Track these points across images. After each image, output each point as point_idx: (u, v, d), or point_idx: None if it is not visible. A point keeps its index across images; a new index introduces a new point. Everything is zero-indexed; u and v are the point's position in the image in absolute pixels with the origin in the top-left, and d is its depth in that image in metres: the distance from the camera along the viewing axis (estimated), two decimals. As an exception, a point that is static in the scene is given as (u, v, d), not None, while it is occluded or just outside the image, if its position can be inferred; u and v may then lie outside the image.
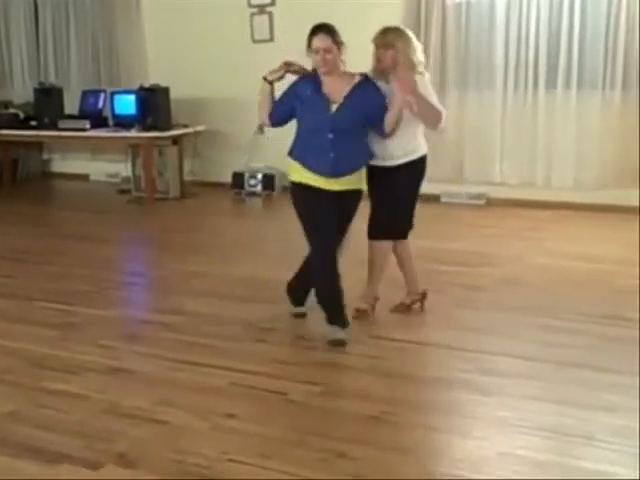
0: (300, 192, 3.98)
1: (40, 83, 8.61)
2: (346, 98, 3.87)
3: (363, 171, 4.02)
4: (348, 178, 3.92)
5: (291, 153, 4.02)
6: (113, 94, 7.98)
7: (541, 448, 2.88)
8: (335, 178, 3.88)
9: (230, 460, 2.82)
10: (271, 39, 7.70)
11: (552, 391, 3.34)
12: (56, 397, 3.38)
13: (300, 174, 3.96)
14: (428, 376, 3.54)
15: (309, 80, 3.94)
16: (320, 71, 3.89)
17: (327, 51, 3.81)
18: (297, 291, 4.27)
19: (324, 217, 3.90)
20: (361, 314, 4.23)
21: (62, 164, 9.43)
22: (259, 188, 7.83)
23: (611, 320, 4.15)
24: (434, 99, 4.03)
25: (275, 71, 3.99)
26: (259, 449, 2.89)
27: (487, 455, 2.85)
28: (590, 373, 3.50)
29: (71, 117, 8.13)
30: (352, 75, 3.94)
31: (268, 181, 7.81)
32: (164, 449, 2.91)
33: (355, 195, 3.99)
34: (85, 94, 8.31)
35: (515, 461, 2.79)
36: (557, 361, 3.64)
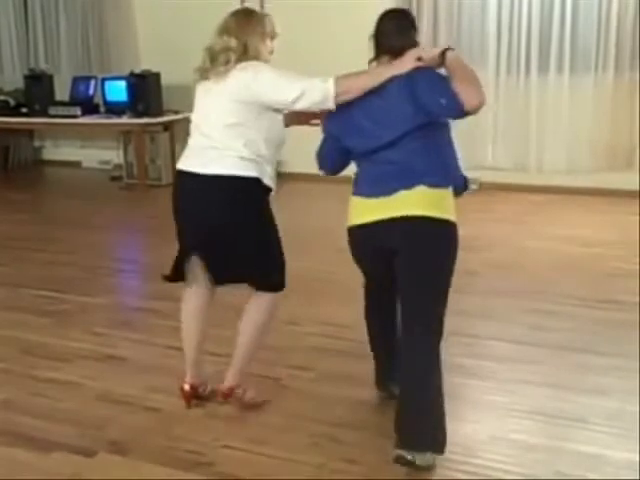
0: None
1: (30, 69, 8.52)
2: None
3: None
4: None
5: None
6: (104, 80, 7.91)
7: (534, 432, 2.89)
8: None
9: (223, 446, 2.82)
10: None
11: (545, 375, 3.34)
12: (49, 385, 3.37)
13: None
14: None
15: None
16: None
17: None
18: None
19: None
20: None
21: (54, 151, 9.35)
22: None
23: (604, 303, 4.16)
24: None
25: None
26: (252, 435, 2.89)
27: (480, 439, 2.85)
28: (583, 356, 3.51)
29: (62, 104, 8.03)
30: None
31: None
32: (157, 436, 2.91)
33: None
34: (76, 80, 8.21)
35: (508, 445, 2.80)
36: (550, 345, 3.64)
